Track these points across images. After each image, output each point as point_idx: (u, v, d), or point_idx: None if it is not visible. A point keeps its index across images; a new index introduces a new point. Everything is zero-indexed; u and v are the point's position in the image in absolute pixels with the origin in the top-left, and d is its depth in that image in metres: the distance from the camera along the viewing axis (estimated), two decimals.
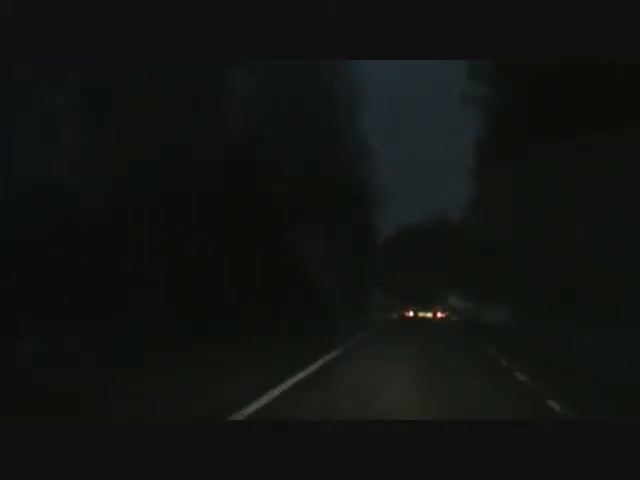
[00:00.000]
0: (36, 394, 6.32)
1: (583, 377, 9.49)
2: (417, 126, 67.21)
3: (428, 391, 7.55)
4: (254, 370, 8.94)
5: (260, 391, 6.90)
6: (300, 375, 8.56)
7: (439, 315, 21.49)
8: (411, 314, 21.77)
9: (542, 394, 7.37)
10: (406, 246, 46.23)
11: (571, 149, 13.16)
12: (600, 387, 8.19)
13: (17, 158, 9.69)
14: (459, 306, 28.33)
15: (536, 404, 6.78)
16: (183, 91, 11.95)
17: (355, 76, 23.12)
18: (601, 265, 16.26)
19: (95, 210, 10.41)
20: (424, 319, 21.20)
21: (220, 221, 13.99)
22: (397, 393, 7.25)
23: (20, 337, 8.63)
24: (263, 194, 15.30)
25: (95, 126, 10.71)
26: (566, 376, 9.53)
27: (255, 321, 14.82)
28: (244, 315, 14.48)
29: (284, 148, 16.20)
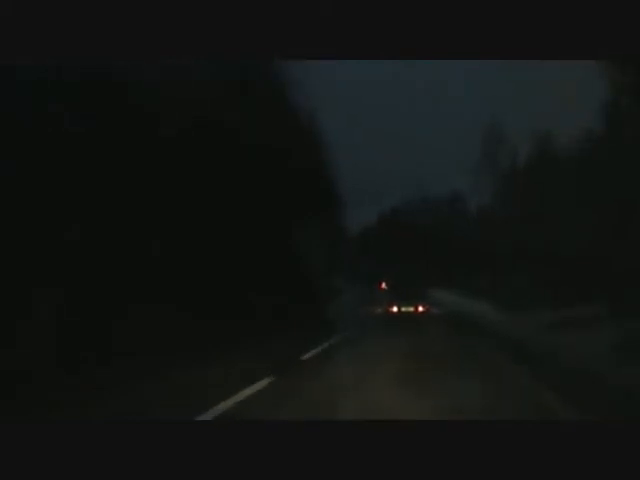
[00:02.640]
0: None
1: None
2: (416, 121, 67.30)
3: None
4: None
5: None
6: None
7: (420, 309, 23.82)
8: (395, 309, 24.00)
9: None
10: (387, 236, 46.23)
11: None
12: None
13: None
14: (442, 299, 28.81)
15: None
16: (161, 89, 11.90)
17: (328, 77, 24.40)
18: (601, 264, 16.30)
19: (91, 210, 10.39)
20: (407, 312, 23.70)
21: (212, 222, 14.08)
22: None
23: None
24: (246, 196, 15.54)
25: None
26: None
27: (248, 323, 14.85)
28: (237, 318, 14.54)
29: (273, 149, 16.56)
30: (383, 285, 31.54)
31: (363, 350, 12.36)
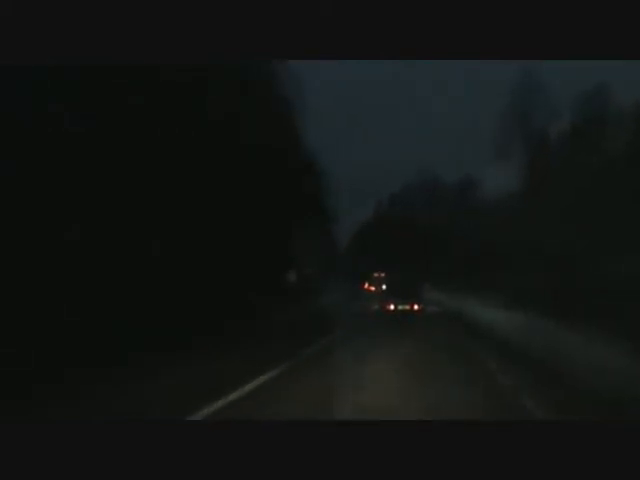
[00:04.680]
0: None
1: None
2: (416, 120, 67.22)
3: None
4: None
5: None
6: None
7: (415, 307, 25.14)
8: (392, 307, 25.26)
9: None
10: (386, 236, 46.39)
11: None
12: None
13: None
14: (435, 297, 29.36)
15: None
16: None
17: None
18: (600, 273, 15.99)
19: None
20: (403, 310, 25.03)
21: (208, 227, 14.12)
22: None
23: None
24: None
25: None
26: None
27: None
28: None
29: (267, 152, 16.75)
30: (366, 285, 34.33)
31: (358, 345, 12.71)
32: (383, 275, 31.87)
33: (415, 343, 13.50)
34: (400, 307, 25.01)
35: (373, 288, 33.76)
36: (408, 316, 23.80)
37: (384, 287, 28.18)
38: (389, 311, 25.04)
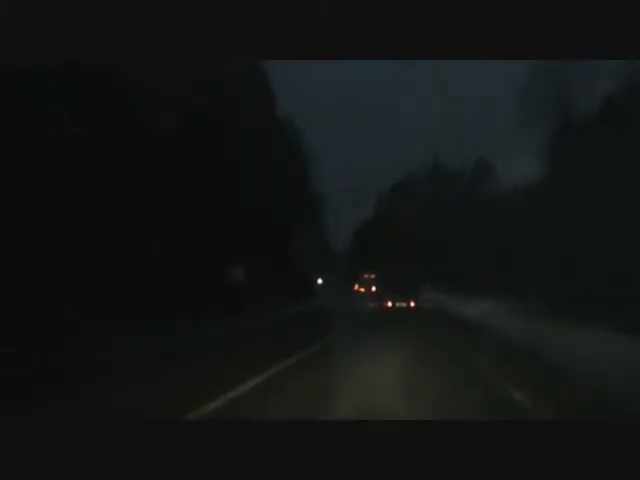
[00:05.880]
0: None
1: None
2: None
3: None
4: None
5: None
6: None
7: (412, 305, 26.65)
8: (389, 304, 26.79)
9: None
10: (386, 236, 46.56)
11: None
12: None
13: None
14: (436, 298, 29.73)
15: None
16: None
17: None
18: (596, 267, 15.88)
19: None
20: (400, 307, 26.62)
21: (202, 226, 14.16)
22: None
23: None
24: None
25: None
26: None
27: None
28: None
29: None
30: (356, 287, 35.64)
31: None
32: (373, 276, 33.19)
33: (415, 342, 13.51)
34: (398, 304, 26.48)
35: (363, 289, 34.11)
36: (407, 315, 24.11)
37: (374, 287, 30.00)
38: (387, 308, 26.34)
